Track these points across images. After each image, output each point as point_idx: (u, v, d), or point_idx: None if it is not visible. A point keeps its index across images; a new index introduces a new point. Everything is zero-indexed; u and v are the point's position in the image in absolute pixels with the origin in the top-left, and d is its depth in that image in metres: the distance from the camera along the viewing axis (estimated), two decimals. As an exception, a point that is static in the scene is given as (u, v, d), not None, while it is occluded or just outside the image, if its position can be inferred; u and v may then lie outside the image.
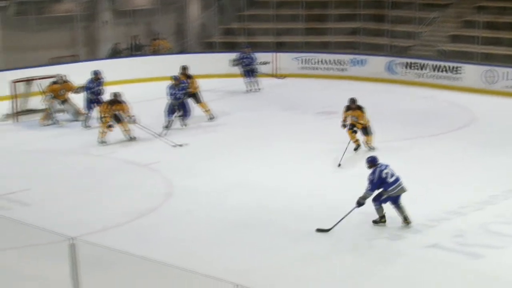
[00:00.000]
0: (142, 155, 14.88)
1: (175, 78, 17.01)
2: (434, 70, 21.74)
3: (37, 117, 17.83)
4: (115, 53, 23.87)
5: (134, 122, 15.76)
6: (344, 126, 14.95)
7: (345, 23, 25.29)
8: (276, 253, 10.15)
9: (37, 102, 18.12)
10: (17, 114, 17.98)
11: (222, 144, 15.86)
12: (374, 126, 15.05)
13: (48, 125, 17.43)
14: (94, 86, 17.26)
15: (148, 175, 13.74)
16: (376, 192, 10.94)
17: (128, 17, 24.13)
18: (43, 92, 17.65)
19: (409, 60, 22.34)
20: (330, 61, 23.34)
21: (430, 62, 21.92)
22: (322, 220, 11.02)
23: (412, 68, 22.17)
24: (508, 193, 12.50)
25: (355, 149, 14.99)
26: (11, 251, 9.92)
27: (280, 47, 24.63)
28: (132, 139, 15.82)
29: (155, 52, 24.25)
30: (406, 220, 11.00)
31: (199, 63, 21.34)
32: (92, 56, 23.42)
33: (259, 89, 21.17)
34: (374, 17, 25.11)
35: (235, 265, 9.63)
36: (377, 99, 19.34)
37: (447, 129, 16.88)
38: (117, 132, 15.86)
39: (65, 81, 17.63)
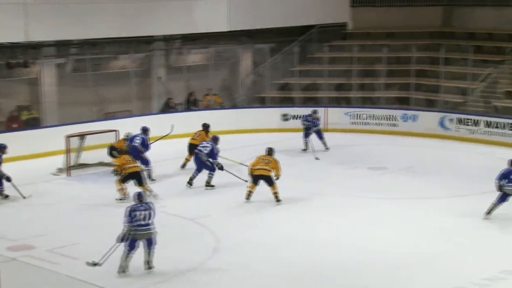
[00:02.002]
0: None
1: None
2: (488, 127, 21.38)
3: (89, 171, 18.14)
4: (168, 108, 24.26)
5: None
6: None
7: (397, 78, 25.21)
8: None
9: (89, 156, 18.47)
10: (70, 168, 18.30)
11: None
12: (432, 180, 15.54)
13: None
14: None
15: (196, 229, 13.76)
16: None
17: (181, 73, 24.57)
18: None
19: (462, 116, 22.05)
20: (381, 116, 23.20)
21: (484, 118, 21.59)
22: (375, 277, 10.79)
23: (466, 124, 21.87)
24: None
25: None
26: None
27: (331, 102, 24.65)
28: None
29: (207, 107, 24.57)
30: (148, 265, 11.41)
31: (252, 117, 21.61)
32: (145, 111, 23.85)
33: (328, 148, 20.61)
34: (427, 72, 25.02)
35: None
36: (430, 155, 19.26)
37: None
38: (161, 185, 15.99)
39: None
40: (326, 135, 21.32)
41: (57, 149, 18.84)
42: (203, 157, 16.63)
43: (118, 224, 13.89)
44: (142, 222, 11.20)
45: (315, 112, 20.98)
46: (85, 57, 22.57)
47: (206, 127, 18.64)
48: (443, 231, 13.36)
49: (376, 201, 15.44)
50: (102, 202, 15.66)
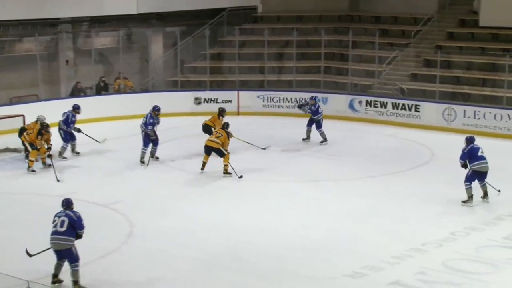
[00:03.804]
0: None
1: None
2: (394, 108, 22.05)
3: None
4: (76, 92, 23.71)
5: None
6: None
7: (307, 61, 25.59)
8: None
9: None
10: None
11: (193, 182, 15.91)
12: (342, 162, 15.58)
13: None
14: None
15: (109, 215, 13.57)
16: None
17: (90, 56, 24.06)
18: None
19: (370, 98, 22.65)
20: (292, 99, 23.49)
21: (391, 100, 22.25)
22: (293, 259, 10.97)
23: (374, 106, 22.47)
24: (468, 230, 12.68)
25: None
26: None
27: (243, 85, 24.76)
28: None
29: (117, 91, 24.15)
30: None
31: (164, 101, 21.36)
32: (53, 95, 23.21)
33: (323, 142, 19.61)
34: (335, 55, 25.52)
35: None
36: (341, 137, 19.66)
37: (408, 166, 17.12)
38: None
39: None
40: (238, 118, 21.37)
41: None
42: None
43: (27, 211, 13.70)
44: (53, 230, 10.17)
45: (312, 98, 20.01)
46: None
47: (220, 111, 18.58)
48: (356, 213, 13.67)
49: (290, 185, 15.63)
50: (9, 190, 15.24)
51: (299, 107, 20.42)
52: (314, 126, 19.61)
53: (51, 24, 24.05)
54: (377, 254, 11.45)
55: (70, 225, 10.07)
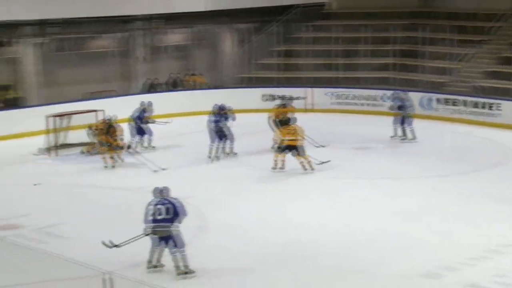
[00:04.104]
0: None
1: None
2: (469, 106, 21.56)
3: (71, 151, 18.09)
4: (150, 88, 24.16)
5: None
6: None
7: (378, 58, 25.33)
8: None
9: (72, 136, 18.39)
10: (51, 148, 18.15)
11: (249, 179, 15.92)
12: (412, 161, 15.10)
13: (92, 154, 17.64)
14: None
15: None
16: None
17: (162, 53, 24.49)
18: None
19: (443, 96, 22.23)
20: (362, 96, 23.28)
21: (465, 98, 21.78)
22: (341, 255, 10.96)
23: (446, 104, 22.06)
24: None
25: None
26: (46, 284, 9.96)
27: (312, 82, 24.70)
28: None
29: (190, 87, 24.48)
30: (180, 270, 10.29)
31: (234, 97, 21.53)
32: (127, 91, 23.72)
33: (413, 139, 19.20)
34: (406, 52, 25.18)
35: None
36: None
37: (484, 166, 16.74)
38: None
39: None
40: (309, 115, 21.27)
41: (39, 129, 18.70)
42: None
43: (100, 204, 14.02)
44: (157, 218, 10.21)
45: (402, 91, 19.73)
46: (66, 37, 22.41)
47: (282, 104, 19.10)
48: (422, 212, 13.32)
49: (353, 182, 15.40)
50: (82, 182, 15.66)
51: (399, 108, 19.24)
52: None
53: (125, 21, 24.58)
54: (452, 255, 11.21)
55: (175, 212, 10.20)
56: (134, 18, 24.61)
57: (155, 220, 10.18)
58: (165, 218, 10.15)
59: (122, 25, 24.53)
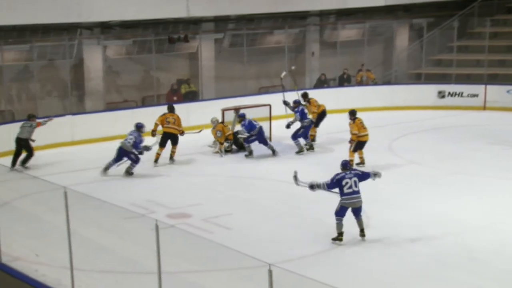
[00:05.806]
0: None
1: None
2: None
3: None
4: (320, 84, 24.30)
5: None
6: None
7: None
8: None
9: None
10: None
11: (421, 177, 15.50)
12: None
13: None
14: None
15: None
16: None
17: (334, 48, 24.49)
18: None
19: None
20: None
21: None
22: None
23: None
24: None
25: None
26: (210, 273, 10.35)
27: (491, 79, 23.58)
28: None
29: (360, 83, 24.33)
30: (362, 233, 11.43)
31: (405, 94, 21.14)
32: (298, 86, 23.98)
33: None
34: None
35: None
36: None
37: None
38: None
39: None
40: (484, 113, 20.34)
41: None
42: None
43: (267, 197, 14.31)
44: (350, 190, 11.22)
45: None
46: (242, 32, 23.07)
47: (304, 95, 18.69)
48: None
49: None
50: (253, 175, 16.04)
51: None
52: None
53: (300, 17, 24.89)
54: None
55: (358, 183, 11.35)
56: (310, 14, 24.84)
57: (352, 193, 11.19)
58: (355, 191, 11.25)
59: (298, 21, 24.88)
